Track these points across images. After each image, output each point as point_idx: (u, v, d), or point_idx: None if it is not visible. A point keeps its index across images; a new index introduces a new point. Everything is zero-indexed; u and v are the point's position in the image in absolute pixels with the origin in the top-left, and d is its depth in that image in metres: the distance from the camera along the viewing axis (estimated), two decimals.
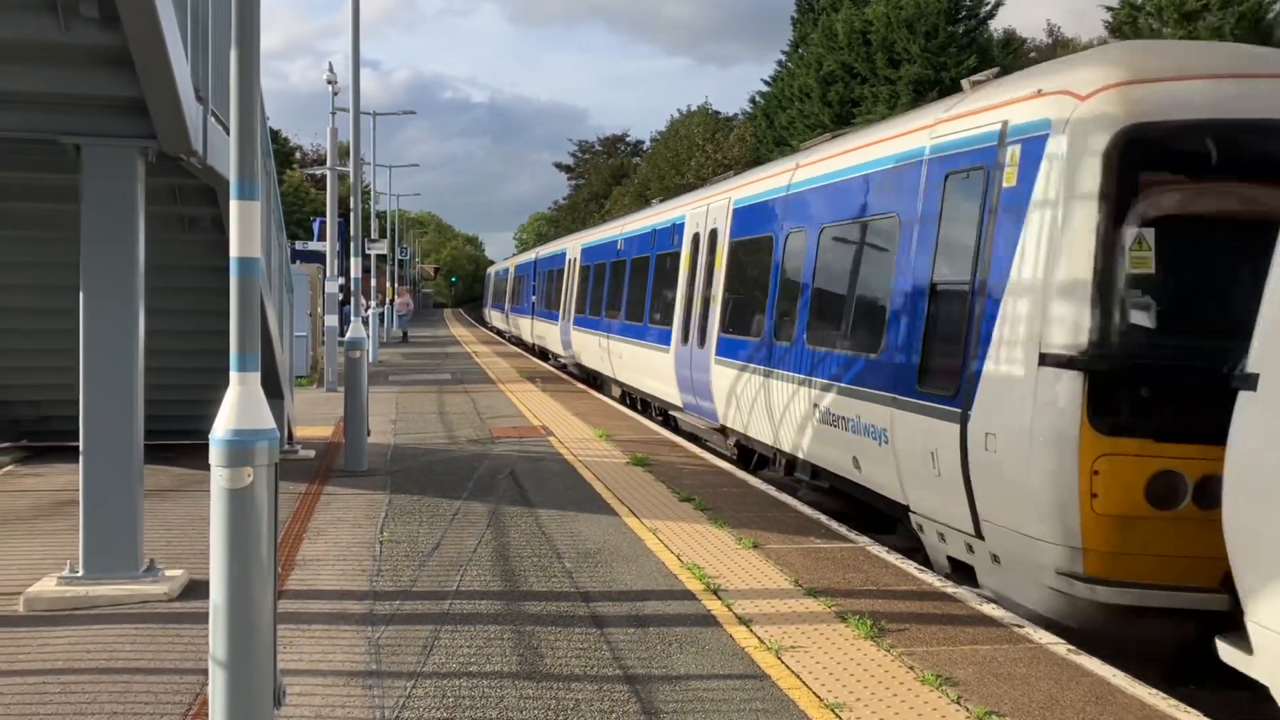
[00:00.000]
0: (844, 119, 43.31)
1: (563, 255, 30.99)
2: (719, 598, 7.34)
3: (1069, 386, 6.82)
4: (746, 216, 13.74)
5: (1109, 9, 34.74)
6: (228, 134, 6.31)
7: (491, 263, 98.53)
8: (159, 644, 6.35)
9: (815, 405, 10.49)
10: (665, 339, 16.96)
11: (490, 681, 5.78)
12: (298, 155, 71.19)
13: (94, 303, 7.30)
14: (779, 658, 6.19)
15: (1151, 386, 6.70)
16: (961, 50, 41.50)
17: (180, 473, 11.78)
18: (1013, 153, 7.61)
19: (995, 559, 7.62)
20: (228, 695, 4.51)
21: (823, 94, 45.29)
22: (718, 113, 61.83)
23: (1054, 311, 6.99)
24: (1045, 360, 6.96)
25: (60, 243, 9.10)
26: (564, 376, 26.86)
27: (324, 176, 30.31)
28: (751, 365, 12.60)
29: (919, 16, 41.55)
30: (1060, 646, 6.46)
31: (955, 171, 8.41)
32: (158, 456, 11.98)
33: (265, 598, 4.60)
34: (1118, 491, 6.66)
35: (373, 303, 34.02)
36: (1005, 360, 7.35)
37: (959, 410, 7.76)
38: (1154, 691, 5.75)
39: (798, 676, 5.90)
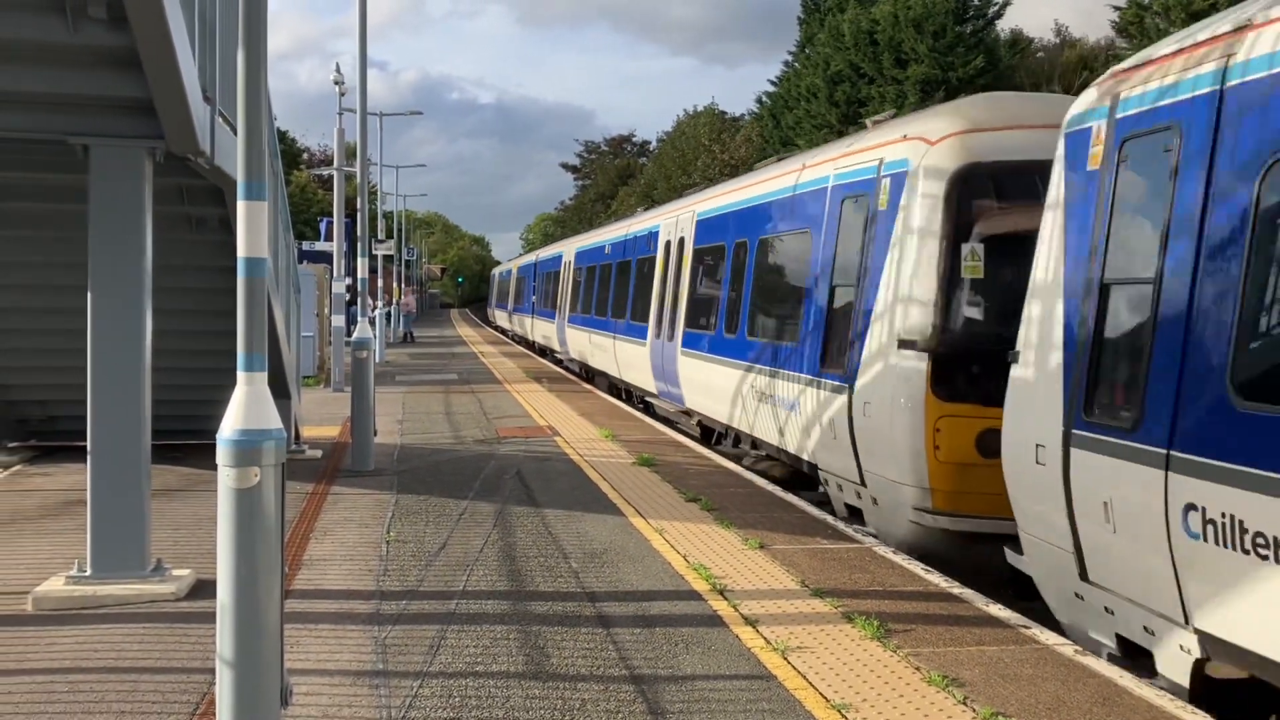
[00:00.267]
0: (851, 119, 43.26)
1: (559, 258, 33.25)
2: (725, 598, 7.34)
3: (917, 365, 8.90)
4: (706, 227, 15.97)
5: (1116, 9, 34.66)
6: (235, 134, 6.33)
7: (498, 263, 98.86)
8: (166, 643, 6.36)
9: (753, 387, 12.64)
10: (643, 334, 19.02)
11: (496, 681, 5.79)
12: (305, 156, 71.30)
13: (101, 303, 7.31)
14: (785, 658, 6.19)
15: (978, 365, 8.53)
16: (969, 50, 41.44)
17: (187, 472, 11.81)
18: (885, 183, 9.73)
19: (875, 501, 9.70)
20: (235, 694, 4.52)
21: (830, 94, 45.25)
22: (724, 113, 61.82)
23: (907, 308, 9.07)
24: (901, 345, 9.07)
25: (68, 243, 9.13)
26: (570, 377, 26.87)
27: (331, 177, 30.35)
28: (708, 355, 14.79)
29: (926, 16, 41.48)
30: (1067, 648, 6.45)
31: (848, 196, 10.54)
32: (165, 456, 12.00)
33: (272, 597, 4.60)
34: (954, 444, 8.68)
35: (379, 303, 34.06)
36: (877, 345, 9.45)
37: (847, 385, 9.89)
38: (1161, 693, 5.74)
39: (804, 677, 5.90)
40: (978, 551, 8.60)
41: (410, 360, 32.33)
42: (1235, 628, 5.41)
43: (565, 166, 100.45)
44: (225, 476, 4.56)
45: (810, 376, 10.77)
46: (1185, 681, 5.80)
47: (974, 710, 5.46)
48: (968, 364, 8.69)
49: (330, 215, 30.53)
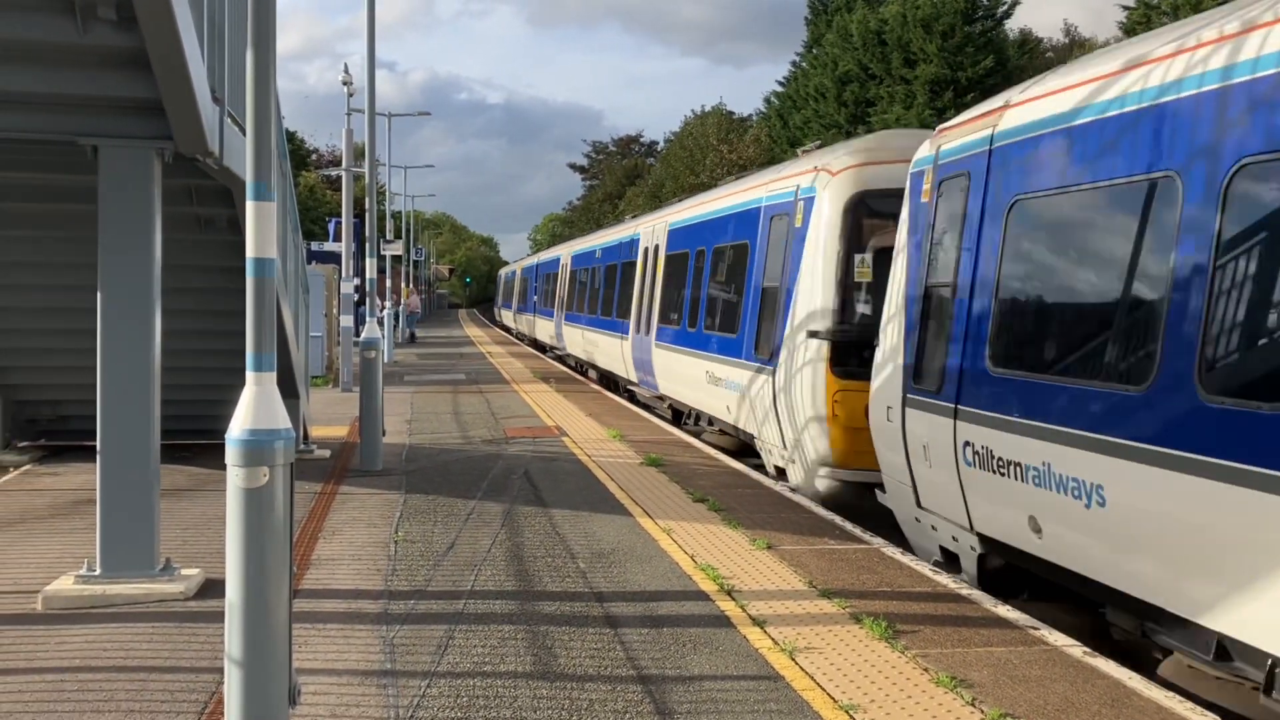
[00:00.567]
0: (859, 119, 43.23)
1: (557, 261, 36.07)
2: (733, 599, 7.34)
3: (820, 350, 11.06)
4: (675, 236, 18.42)
5: (1126, 8, 34.58)
6: (244, 135, 6.34)
7: (505, 263, 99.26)
8: (175, 642, 6.38)
9: (707, 372, 15.02)
10: (626, 330, 21.40)
11: (504, 681, 5.79)
12: (313, 157, 71.40)
13: (111, 303, 7.33)
14: (793, 659, 6.18)
15: (867, 350, 10.13)
16: (978, 50, 41.39)
17: (196, 472, 11.83)
18: (800, 206, 12.02)
19: (794, 461, 11.88)
20: (243, 694, 4.53)
21: (838, 94, 45.23)
22: (732, 113, 61.76)
23: (814, 305, 11.28)
24: (810, 335, 11.23)
25: (77, 243, 9.16)
26: (577, 377, 26.91)
27: (339, 177, 30.40)
28: (675, 346, 17.12)
29: (935, 16, 41.41)
30: (1076, 649, 6.43)
31: (775, 215, 12.90)
32: (174, 456, 12.04)
33: (281, 597, 4.61)
34: (848, 413, 10.74)
35: (388, 303, 34.11)
36: (792, 335, 11.69)
37: (772, 368, 12.20)
38: (1170, 694, 5.72)
39: (812, 678, 5.89)
40: (870, 499, 10.30)
41: (418, 360, 32.37)
42: (993, 526, 7.71)
43: (573, 167, 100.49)
44: (234, 476, 4.57)
45: (746, 362, 13.21)
46: (975, 573, 8.06)
47: (982, 711, 5.44)
48: (859, 349, 10.60)
49: (339, 215, 30.57)
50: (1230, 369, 5.54)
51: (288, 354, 11.62)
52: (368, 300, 15.32)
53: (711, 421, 15.70)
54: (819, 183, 11.64)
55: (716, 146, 54.18)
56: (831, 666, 6.07)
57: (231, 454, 4.58)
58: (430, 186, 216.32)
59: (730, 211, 14.97)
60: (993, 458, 7.38)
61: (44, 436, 13.09)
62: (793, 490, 11.55)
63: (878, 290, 10.46)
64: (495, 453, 13.81)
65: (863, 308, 11.08)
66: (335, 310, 24.33)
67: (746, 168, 40.64)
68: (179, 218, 9.18)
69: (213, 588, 7.23)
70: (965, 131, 8.46)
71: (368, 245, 17.70)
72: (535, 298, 42.07)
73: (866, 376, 9.96)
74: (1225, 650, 5.63)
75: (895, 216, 9.76)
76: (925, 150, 9.16)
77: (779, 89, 55.39)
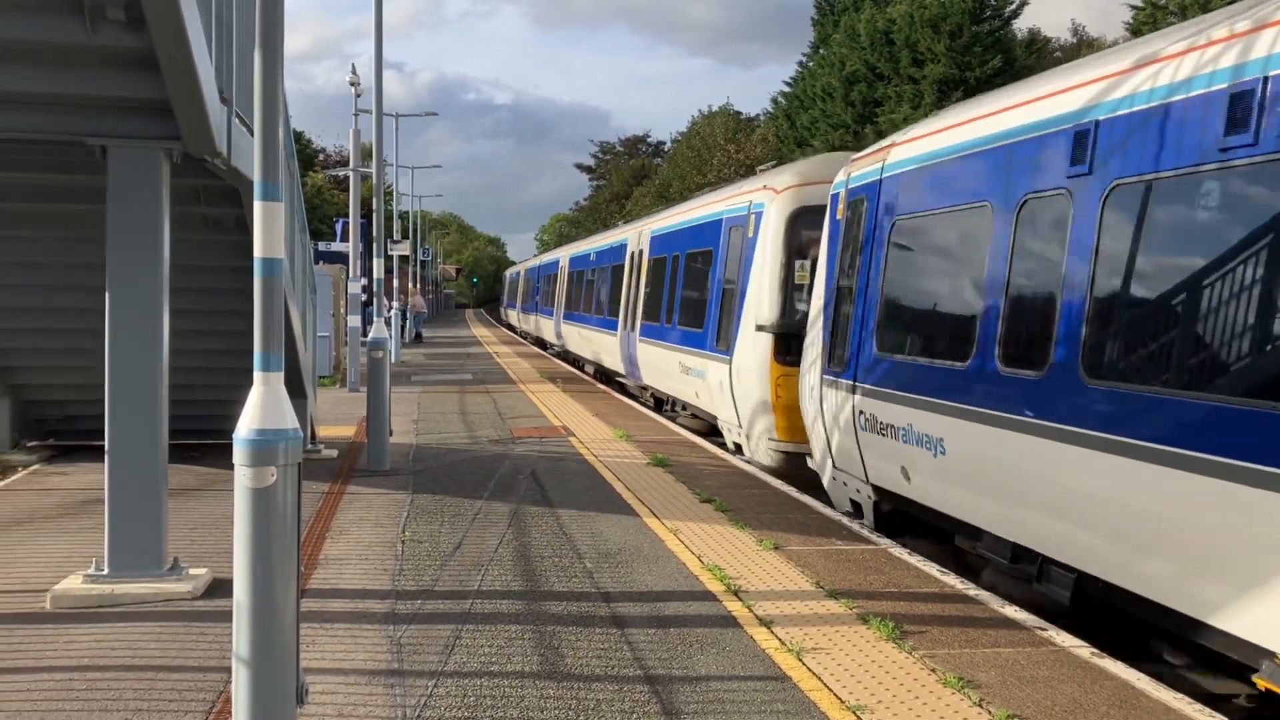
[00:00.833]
0: (867, 119, 43.17)
1: (556, 263, 38.52)
2: (740, 599, 7.33)
3: (766, 342, 13.06)
4: (656, 242, 20.49)
5: (1134, 7, 34.49)
6: (251, 135, 6.35)
7: (512, 263, 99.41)
8: (183, 642, 6.39)
9: (680, 363, 17.10)
10: (615, 326, 23.38)
11: (511, 681, 5.79)
12: (320, 157, 71.48)
13: (119, 303, 7.35)
14: (800, 659, 6.17)
15: (802, 342, 11.84)
16: (986, 50, 41.30)
17: (204, 472, 11.86)
18: (752, 218, 14.05)
19: (748, 437, 13.80)
20: (251, 693, 4.54)
21: (846, 94, 45.16)
22: (739, 113, 61.74)
23: (762, 303, 13.25)
24: (758, 329, 13.20)
25: (86, 243, 9.18)
26: (584, 376, 26.91)
27: (347, 177, 30.43)
28: (655, 340, 19.12)
29: (943, 16, 41.33)
30: (1084, 650, 6.42)
31: (733, 226, 14.95)
32: (182, 456, 12.06)
33: (288, 596, 4.62)
34: (787, 395, 12.59)
35: (395, 303, 34.15)
36: (744, 329, 13.66)
37: (729, 358, 14.19)
38: (1179, 696, 5.71)
39: (819, 678, 5.89)
40: (807, 469, 11.89)
41: (425, 360, 32.40)
42: (881, 478, 9.61)
43: (580, 167, 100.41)
44: (242, 476, 4.58)
45: (710, 353, 15.23)
46: (872, 519, 9.91)
47: (990, 713, 5.43)
48: (798, 341, 12.21)
49: (346, 215, 30.59)
50: (1017, 348, 7.40)
51: (295, 354, 11.64)
52: (375, 300, 15.34)
53: (685, 407, 17.90)
54: (767, 199, 13.63)
55: (724, 146, 54.19)
56: (839, 667, 6.06)
57: (239, 454, 4.58)
58: (437, 186, 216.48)
59: (700, 221, 17.13)
60: (878, 423, 9.45)
61: (52, 436, 13.13)
62: (748, 462, 13.46)
63: (808, 291, 12.31)
64: (502, 453, 13.82)
65: (801, 306, 12.67)
66: (342, 310, 24.36)
67: (754, 168, 40.91)
68: (187, 218, 9.20)
69: (220, 587, 7.25)
70: (867, 163, 10.43)
71: (375, 245, 17.71)
72: (538, 298, 44.22)
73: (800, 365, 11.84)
74: (1019, 555, 7.55)
75: (820, 228, 11.52)
76: (841, 176, 11.08)
77: (786, 89, 55.36)
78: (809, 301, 12.09)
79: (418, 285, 53.86)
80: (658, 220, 21.32)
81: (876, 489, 9.74)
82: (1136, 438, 6.03)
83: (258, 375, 4.70)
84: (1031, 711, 5.45)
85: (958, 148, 8.55)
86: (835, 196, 11.08)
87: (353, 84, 27.43)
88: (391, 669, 5.96)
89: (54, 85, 6.96)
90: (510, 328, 60.37)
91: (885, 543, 9.10)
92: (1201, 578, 5.74)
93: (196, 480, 11.41)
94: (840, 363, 10.31)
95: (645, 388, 20.94)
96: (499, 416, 17.85)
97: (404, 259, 41.60)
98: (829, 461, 10.84)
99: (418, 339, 44.78)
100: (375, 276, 16.60)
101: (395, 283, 35.54)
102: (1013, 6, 43.24)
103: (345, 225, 31.07)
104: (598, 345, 26.18)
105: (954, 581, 7.91)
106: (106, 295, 7.36)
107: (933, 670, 6.02)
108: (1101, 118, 6.74)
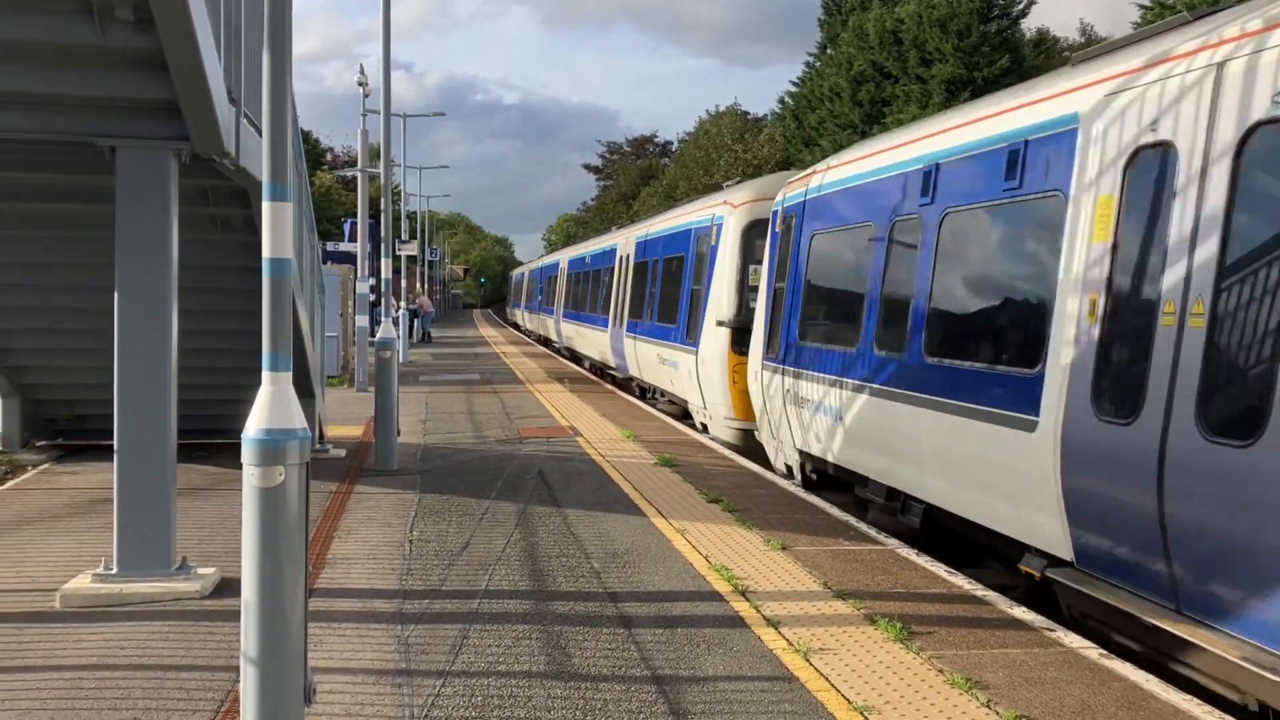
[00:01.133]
0: (875, 119, 43.10)
1: (557, 264, 41.59)
2: (747, 599, 7.33)
3: (724, 335, 15.34)
4: (639, 247, 22.95)
5: (1142, 7, 34.39)
6: (260, 136, 6.36)
7: (520, 263, 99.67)
8: (191, 641, 6.41)
9: (658, 355, 19.62)
10: (606, 324, 25.97)
11: (519, 681, 5.80)
12: (328, 157, 71.59)
13: (128, 303, 7.37)
14: (808, 660, 6.17)
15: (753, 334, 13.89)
16: (994, 50, 41.18)
17: (213, 471, 11.88)
18: (715, 229, 16.49)
19: (711, 418, 16.19)
20: (259, 692, 4.55)
21: (853, 94, 45.08)
22: (747, 113, 61.64)
23: (721, 301, 15.58)
24: (718, 324, 15.52)
25: (95, 244, 9.20)
26: (591, 377, 26.94)
27: (354, 178, 30.48)
28: (639, 335, 21.48)
29: (951, 16, 41.24)
30: (1092, 651, 6.40)
31: (699, 235, 17.48)
32: (191, 455, 12.10)
33: (296, 596, 4.63)
34: (742, 380, 14.49)
35: (403, 303, 34.18)
36: (708, 324, 15.96)
37: (695, 349, 16.58)
38: (1188, 698, 5.69)
39: (826, 679, 5.88)
40: (755, 440, 13.95)
41: (433, 360, 32.43)
42: (804, 443, 11.66)
43: (587, 167, 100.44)
44: (250, 475, 4.59)
45: (681, 345, 17.58)
46: (800, 478, 12.05)
47: (998, 714, 5.42)
48: (749, 334, 14.03)
49: (354, 216, 30.63)
50: (887, 335, 9.54)
51: (303, 353, 11.66)
52: (384, 300, 15.36)
53: (663, 394, 20.31)
54: (726, 213, 16.13)
55: (731, 146, 54.08)
56: (846, 668, 6.05)
57: (247, 453, 4.59)
58: (445, 187, 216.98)
59: (674, 231, 19.76)
60: (799, 397, 11.64)
61: (61, 436, 13.17)
62: (712, 439, 15.69)
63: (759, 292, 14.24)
64: (509, 453, 13.83)
65: (753, 305, 14.46)
66: (350, 310, 24.39)
67: (761, 168, 41.32)
68: (195, 218, 9.22)
69: (228, 586, 7.26)
70: (798, 185, 12.63)
71: (383, 245, 17.73)
72: (540, 297, 47.76)
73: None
74: (891, 495, 9.70)
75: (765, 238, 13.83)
76: (781, 194, 13.29)
77: (793, 89, 55.28)
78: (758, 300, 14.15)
79: (424, 285, 53.88)
80: (642, 228, 23.92)
81: (802, 453, 11.89)
82: (952, 397, 8.23)
83: (266, 375, 4.71)
84: (1040, 713, 5.44)
85: (855, 177, 10.86)
86: (775, 213, 13.38)
87: (361, 85, 27.47)
88: (399, 668, 5.97)
89: (63, 86, 6.98)
90: (516, 327, 61.66)
91: (893, 543, 9.09)
92: (984, 495, 7.94)
93: (205, 480, 11.43)
94: (774, 350, 12.57)
95: (631, 378, 23.40)
96: (506, 416, 17.86)
97: (412, 259, 41.62)
98: (769, 433, 13.06)
99: (426, 339, 44.87)
100: (383, 276, 16.60)
101: (403, 283, 35.58)
102: (1021, 6, 43.12)
103: (353, 225, 31.11)
104: (593, 341, 28.64)
105: (961, 582, 7.89)
106: (115, 295, 7.38)
107: (940, 671, 6.01)
108: (940, 162, 8.96)
